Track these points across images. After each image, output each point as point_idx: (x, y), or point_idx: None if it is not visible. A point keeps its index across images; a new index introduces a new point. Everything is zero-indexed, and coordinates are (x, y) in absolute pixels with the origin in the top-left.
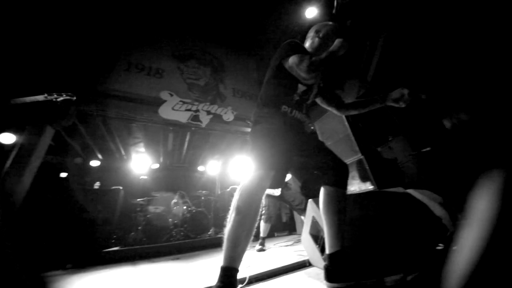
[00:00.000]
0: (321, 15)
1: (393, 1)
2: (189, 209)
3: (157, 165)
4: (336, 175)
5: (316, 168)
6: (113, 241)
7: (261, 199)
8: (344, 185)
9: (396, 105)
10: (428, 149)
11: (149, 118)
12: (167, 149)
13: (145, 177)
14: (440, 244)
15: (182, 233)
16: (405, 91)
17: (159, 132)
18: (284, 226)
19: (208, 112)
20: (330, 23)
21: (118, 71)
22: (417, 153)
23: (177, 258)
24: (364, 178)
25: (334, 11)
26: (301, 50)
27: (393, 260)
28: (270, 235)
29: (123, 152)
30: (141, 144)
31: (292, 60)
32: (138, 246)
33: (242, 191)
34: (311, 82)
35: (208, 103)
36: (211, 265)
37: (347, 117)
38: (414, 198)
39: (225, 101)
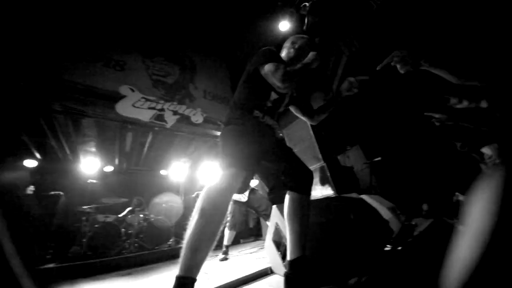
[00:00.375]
0: (293, 29)
1: (355, 25)
2: (147, 217)
3: (111, 168)
4: (302, 181)
5: (283, 173)
6: (49, 256)
7: (229, 201)
8: (309, 191)
9: (351, 93)
10: (379, 158)
11: (104, 114)
12: (124, 150)
13: (94, 181)
14: (388, 245)
15: (136, 245)
16: (351, 79)
17: (115, 131)
18: (250, 232)
19: (175, 112)
20: (306, 36)
21: (68, 57)
22: (370, 162)
23: (129, 274)
24: (325, 184)
25: (305, 27)
26: (278, 59)
27: (349, 263)
28: (235, 242)
29: (68, 151)
30: (92, 143)
31: (268, 67)
32: (80, 262)
33: (209, 191)
34: (284, 91)
35: (175, 103)
36: (167, 280)
37: (312, 126)
38: (366, 203)
39: (195, 102)
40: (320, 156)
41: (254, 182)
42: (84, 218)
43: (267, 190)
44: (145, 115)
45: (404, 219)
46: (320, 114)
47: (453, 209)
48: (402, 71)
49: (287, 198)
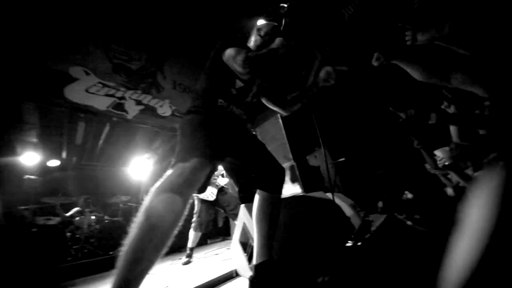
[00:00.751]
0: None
1: (328, 32)
2: (100, 219)
3: (57, 162)
4: (273, 179)
5: (253, 170)
6: None
7: (187, 201)
8: (280, 190)
9: (328, 84)
10: (342, 159)
11: (49, 98)
12: (74, 142)
13: (34, 177)
14: (349, 241)
15: (86, 250)
16: (328, 68)
17: (64, 119)
18: (218, 232)
19: (138, 102)
20: (272, 22)
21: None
22: (335, 162)
23: (73, 285)
24: (294, 183)
25: (281, 28)
26: (240, 44)
27: (315, 261)
28: (202, 242)
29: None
30: (33, 133)
31: (228, 52)
32: (11, 274)
33: (160, 188)
34: (247, 78)
35: (139, 92)
36: None
37: (284, 126)
38: (331, 201)
39: (162, 93)
40: (290, 155)
41: (223, 181)
42: (18, 221)
43: (237, 189)
44: (101, 103)
45: (363, 216)
46: (293, 104)
47: (403, 206)
48: (375, 64)
49: (256, 197)
